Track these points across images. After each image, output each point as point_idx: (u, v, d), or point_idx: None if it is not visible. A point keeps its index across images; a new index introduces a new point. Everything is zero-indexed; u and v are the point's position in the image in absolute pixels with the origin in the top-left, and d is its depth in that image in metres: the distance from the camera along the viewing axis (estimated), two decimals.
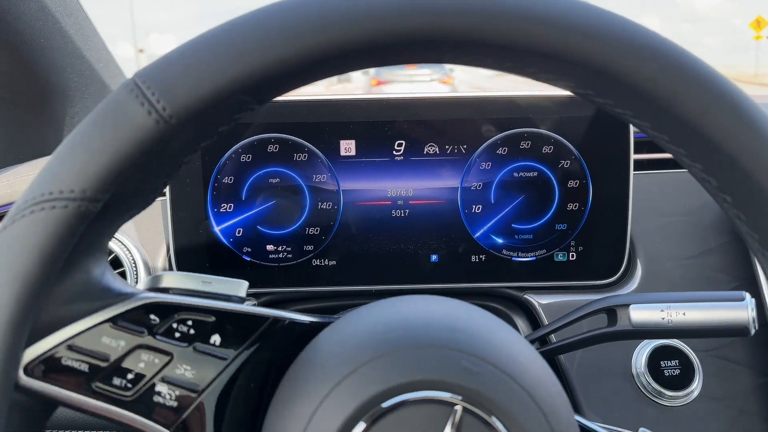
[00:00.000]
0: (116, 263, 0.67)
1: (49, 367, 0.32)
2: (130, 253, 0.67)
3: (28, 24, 0.69)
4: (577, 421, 0.41)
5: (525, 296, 0.68)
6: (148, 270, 0.67)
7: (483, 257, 0.67)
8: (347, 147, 0.66)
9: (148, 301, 0.34)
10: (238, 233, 0.66)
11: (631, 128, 0.66)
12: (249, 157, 0.65)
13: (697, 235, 0.71)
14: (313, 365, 0.36)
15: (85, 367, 0.33)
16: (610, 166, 0.66)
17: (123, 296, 0.34)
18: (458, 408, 0.32)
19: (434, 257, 0.67)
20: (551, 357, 0.62)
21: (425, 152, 0.66)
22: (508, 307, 0.70)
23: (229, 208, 0.66)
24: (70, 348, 0.32)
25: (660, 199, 0.72)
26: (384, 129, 0.65)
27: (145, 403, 0.33)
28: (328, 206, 0.66)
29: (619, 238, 0.67)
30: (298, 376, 0.36)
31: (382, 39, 0.27)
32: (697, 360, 0.64)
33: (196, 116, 0.28)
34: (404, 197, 0.66)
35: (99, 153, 0.27)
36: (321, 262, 0.67)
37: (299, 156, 0.65)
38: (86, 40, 0.79)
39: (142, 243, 0.69)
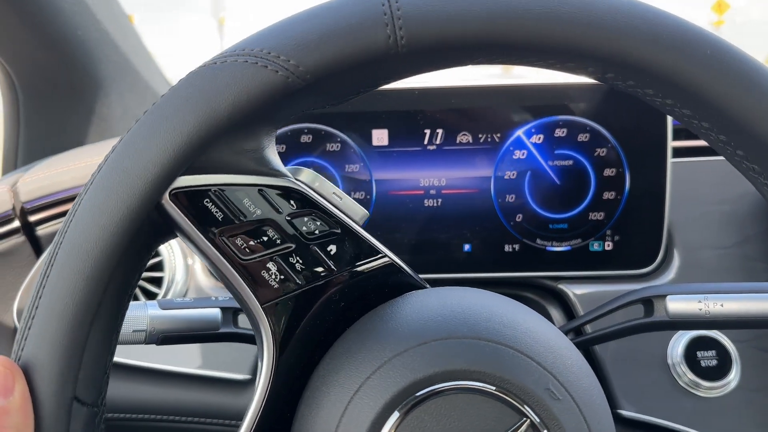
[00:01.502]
0: (154, 254, 0.68)
1: (191, 201, 0.33)
2: (168, 243, 0.68)
3: (66, 18, 0.71)
4: (618, 412, 0.41)
5: (559, 286, 0.68)
6: (186, 259, 0.69)
7: (516, 247, 0.67)
8: (380, 136, 0.66)
9: (295, 186, 0.36)
10: None
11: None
12: (283, 147, 0.66)
13: (735, 224, 0.69)
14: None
15: (219, 216, 0.34)
16: (647, 154, 0.65)
17: (275, 172, 0.36)
18: (527, 421, 0.33)
19: (467, 246, 0.67)
20: (586, 347, 0.62)
21: (458, 141, 0.66)
22: (542, 296, 0.70)
23: None
24: (216, 194, 0.34)
25: (697, 187, 0.70)
26: (416, 118, 0.65)
27: (251, 272, 0.35)
28: (361, 196, 0.66)
29: (656, 228, 0.66)
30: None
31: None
32: (735, 350, 0.63)
33: (426, 52, 0.29)
34: (437, 186, 0.66)
35: (329, 41, 0.29)
36: None
37: (332, 146, 0.66)
38: (121, 32, 0.81)
39: None
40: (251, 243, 0.35)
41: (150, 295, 0.67)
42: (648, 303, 0.51)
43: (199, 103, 0.29)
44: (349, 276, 0.38)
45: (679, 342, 0.63)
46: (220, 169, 0.33)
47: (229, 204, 0.34)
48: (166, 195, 0.32)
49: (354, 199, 0.66)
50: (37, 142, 0.83)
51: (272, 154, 0.36)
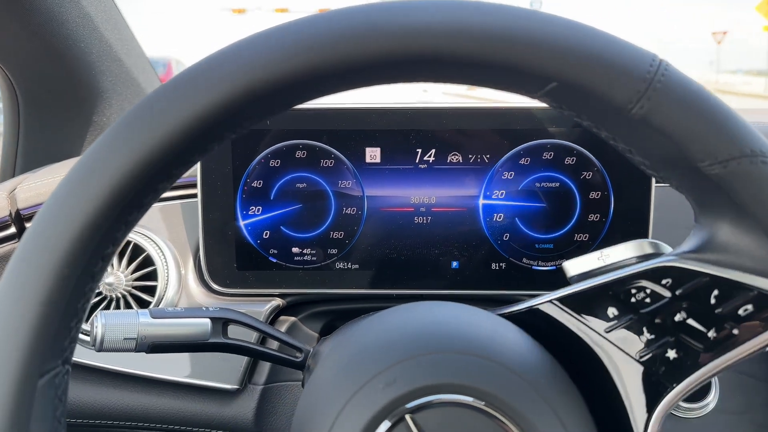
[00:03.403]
0: (148, 262, 0.69)
1: None
2: (161, 251, 0.69)
3: (70, 30, 0.72)
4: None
5: None
6: (179, 269, 0.70)
7: (503, 265, 0.68)
8: (372, 154, 0.67)
9: None
10: (265, 235, 0.68)
11: None
12: (278, 162, 0.67)
13: None
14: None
15: None
16: (631, 178, 0.67)
17: None
18: (408, 417, 0.34)
19: (455, 264, 0.69)
20: None
21: (449, 161, 0.67)
22: None
23: (257, 211, 0.68)
24: None
25: (680, 212, 0.72)
26: (409, 137, 0.67)
27: None
28: (353, 211, 0.68)
29: None
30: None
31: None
32: None
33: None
34: (427, 204, 0.68)
35: None
36: (344, 266, 0.69)
37: (326, 162, 0.67)
38: (124, 45, 0.82)
39: (172, 242, 0.71)
40: None
41: (142, 304, 0.68)
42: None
43: None
44: None
45: None
46: None
47: None
48: None
49: (345, 214, 0.68)
50: (36, 150, 0.85)
51: None
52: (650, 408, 0.39)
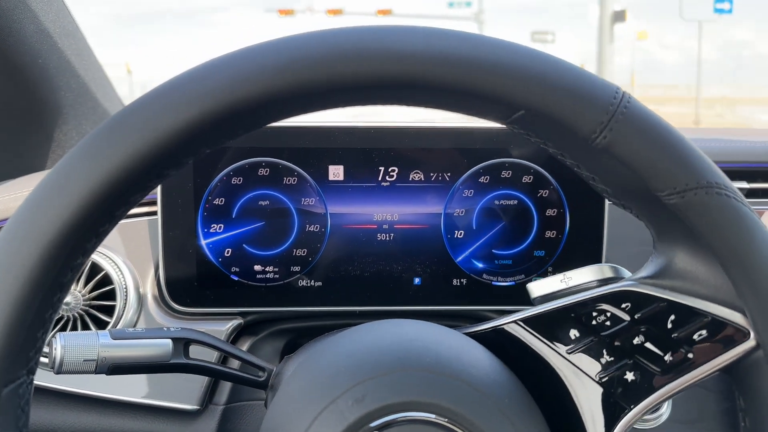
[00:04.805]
0: (106, 281, 0.68)
1: None
2: (120, 270, 0.68)
3: (27, 45, 0.71)
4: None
5: None
6: (138, 288, 0.69)
7: (464, 281, 0.70)
8: (335, 172, 0.68)
9: None
10: (227, 253, 0.68)
11: None
12: (240, 179, 0.67)
13: None
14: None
15: None
16: (586, 196, 0.69)
17: None
18: None
19: (417, 280, 0.70)
20: None
21: (411, 179, 0.68)
22: None
23: (219, 229, 0.67)
24: None
25: (634, 227, 0.74)
26: (372, 155, 0.68)
27: None
28: (316, 229, 0.68)
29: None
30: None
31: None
32: None
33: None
34: (389, 221, 0.69)
35: None
36: (307, 283, 0.69)
37: (289, 180, 0.67)
38: (82, 60, 0.81)
39: (131, 261, 0.70)
40: None
41: (99, 324, 0.67)
42: None
43: None
44: None
45: None
46: None
47: None
48: None
49: (308, 232, 0.68)
50: None
51: None
52: (608, 428, 0.40)
